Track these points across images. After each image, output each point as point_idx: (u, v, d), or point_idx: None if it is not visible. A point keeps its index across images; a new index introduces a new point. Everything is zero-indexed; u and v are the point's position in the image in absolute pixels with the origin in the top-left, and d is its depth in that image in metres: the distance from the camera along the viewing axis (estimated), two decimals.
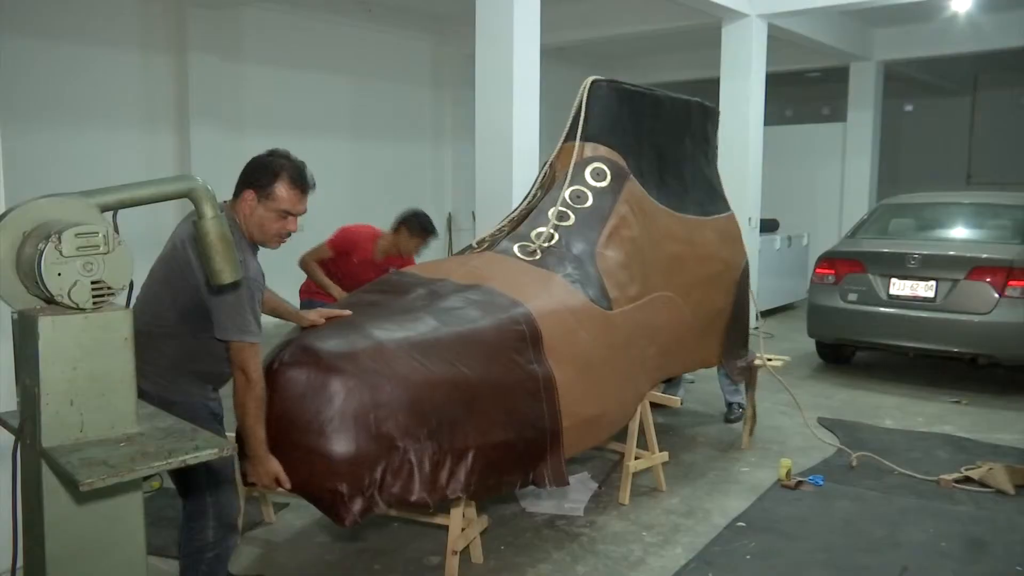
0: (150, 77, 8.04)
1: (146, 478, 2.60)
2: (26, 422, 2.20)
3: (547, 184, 3.98)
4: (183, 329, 2.50)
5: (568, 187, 3.83)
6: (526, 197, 4.10)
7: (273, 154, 2.59)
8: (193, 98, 8.15)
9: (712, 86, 9.03)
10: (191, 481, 2.63)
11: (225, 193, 2.79)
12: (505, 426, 2.99)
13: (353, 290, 4.36)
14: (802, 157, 11.73)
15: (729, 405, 5.34)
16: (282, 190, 2.52)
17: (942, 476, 4.31)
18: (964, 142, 13.95)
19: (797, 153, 11.70)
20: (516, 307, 3.21)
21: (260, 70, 8.88)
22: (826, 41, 9.54)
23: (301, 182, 2.55)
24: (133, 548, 2.31)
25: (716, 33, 8.48)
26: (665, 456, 4.15)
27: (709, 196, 4.65)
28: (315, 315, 2.98)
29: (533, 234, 3.71)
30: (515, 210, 4.08)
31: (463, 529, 3.14)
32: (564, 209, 3.78)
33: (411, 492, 2.77)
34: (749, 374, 4.78)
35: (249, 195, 2.55)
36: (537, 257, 3.60)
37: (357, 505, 2.67)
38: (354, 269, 4.42)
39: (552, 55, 7.44)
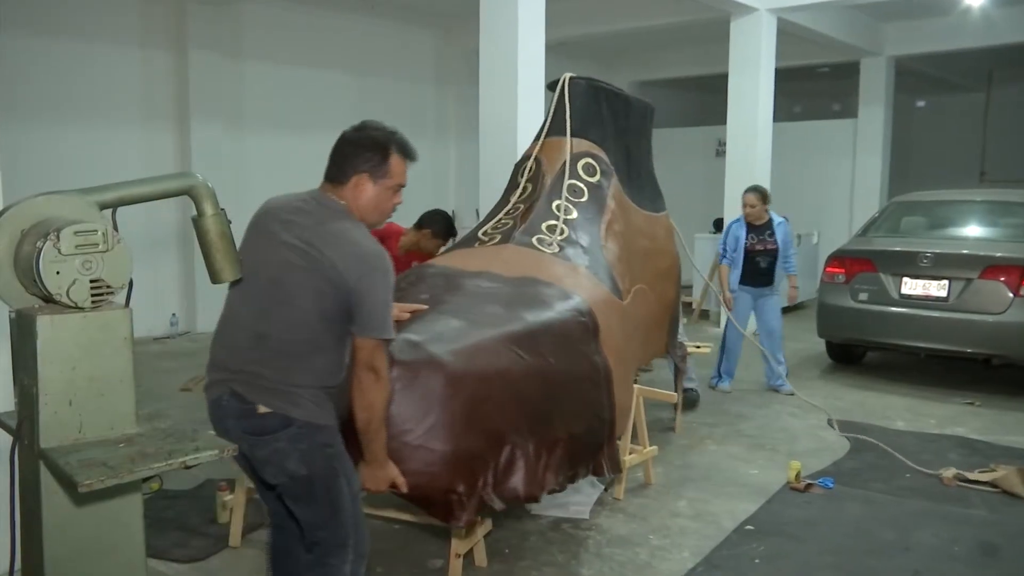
0: (150, 74, 8.06)
1: (146, 479, 2.61)
2: (24, 422, 2.21)
3: (536, 178, 4.01)
4: (329, 339, 2.25)
5: (566, 181, 3.89)
6: (513, 190, 4.11)
7: (368, 129, 2.38)
8: (193, 95, 8.17)
9: (720, 82, 9.02)
10: (318, 508, 2.32)
11: (226, 190, 2.78)
12: (582, 417, 3.13)
13: None
14: (812, 154, 11.70)
15: (686, 390, 5.57)
16: (395, 163, 2.37)
17: (944, 474, 4.31)
18: (977, 139, 13.89)
19: (807, 150, 11.67)
20: (572, 299, 3.34)
21: (261, 67, 8.89)
22: (836, 36, 9.51)
23: (409, 152, 2.43)
24: (132, 550, 2.32)
25: (724, 28, 8.47)
26: (655, 450, 4.25)
27: (657, 193, 4.83)
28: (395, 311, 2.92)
29: (544, 227, 3.76)
30: (509, 204, 4.07)
31: (466, 532, 3.14)
32: (566, 203, 3.84)
33: (520, 488, 2.83)
34: (684, 361, 5.12)
35: (362, 179, 2.32)
36: (556, 250, 3.68)
37: (473, 504, 2.70)
38: None
39: (556, 51, 7.43)
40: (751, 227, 6.05)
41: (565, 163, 3.95)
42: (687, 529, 3.69)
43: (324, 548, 2.35)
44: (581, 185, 3.94)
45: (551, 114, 4.14)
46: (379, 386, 2.26)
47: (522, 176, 4.10)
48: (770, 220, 6.03)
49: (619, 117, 4.32)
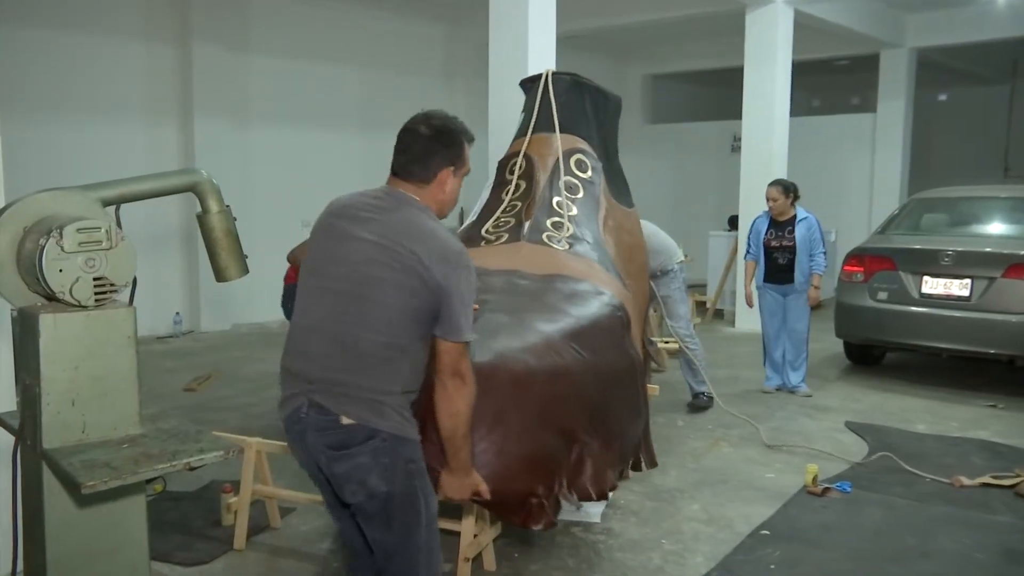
0: (153, 68, 8.10)
1: (149, 481, 2.63)
2: (27, 423, 2.22)
3: (529, 175, 4.02)
4: (414, 341, 2.15)
5: (562, 178, 3.92)
6: (503, 188, 4.11)
7: (442, 121, 2.27)
8: (197, 89, 8.21)
9: (735, 75, 8.98)
10: (391, 531, 2.23)
11: (230, 186, 2.77)
12: (628, 412, 3.20)
13: None
14: (830, 150, 11.64)
15: (696, 395, 5.63)
16: (467, 152, 2.31)
17: (956, 476, 4.30)
18: (1001, 133, 13.79)
19: (824, 145, 11.61)
20: (605, 294, 3.41)
21: (266, 60, 8.91)
22: (855, 27, 9.46)
23: (472, 136, 2.35)
24: (135, 553, 2.33)
25: (739, 20, 8.43)
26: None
27: (627, 187, 4.84)
28: None
29: (550, 224, 3.79)
30: (504, 202, 4.06)
31: (475, 535, 3.14)
32: (566, 200, 3.86)
33: (590, 486, 2.87)
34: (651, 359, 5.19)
35: (447, 174, 2.26)
36: (566, 247, 3.72)
37: (552, 506, 2.73)
38: None
39: (567, 44, 7.42)
40: (773, 222, 6.00)
41: (558, 160, 3.98)
42: (701, 534, 3.68)
43: (396, 570, 2.24)
44: (576, 182, 3.97)
45: (536, 110, 4.16)
46: (465, 391, 2.18)
47: (512, 173, 4.11)
48: (794, 216, 5.94)
49: (599, 111, 4.38)
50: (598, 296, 3.39)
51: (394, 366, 2.13)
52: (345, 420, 2.10)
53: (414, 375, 2.18)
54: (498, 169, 4.26)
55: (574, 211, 3.88)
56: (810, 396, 5.97)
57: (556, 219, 3.81)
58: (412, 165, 2.22)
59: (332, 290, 2.16)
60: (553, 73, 4.24)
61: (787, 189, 5.93)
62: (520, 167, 4.07)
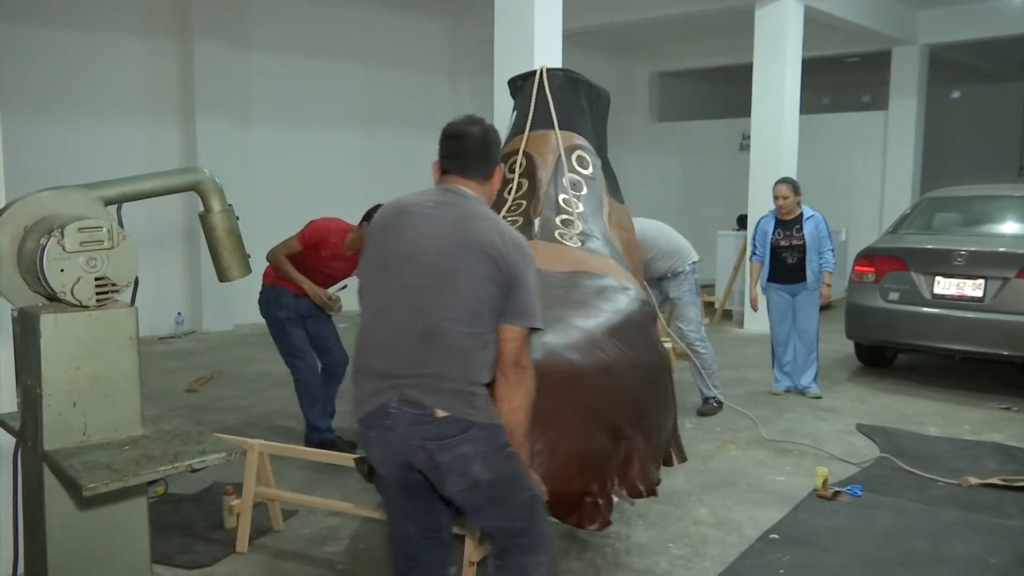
0: (154, 65, 8.13)
1: (151, 483, 2.64)
2: (27, 424, 2.23)
3: (530, 173, 4.02)
4: (492, 333, 2.23)
5: (565, 175, 3.92)
6: (504, 186, 4.11)
7: (484, 121, 2.41)
8: (199, 87, 8.23)
9: (744, 73, 8.97)
10: (511, 511, 2.28)
11: (233, 185, 2.78)
12: (665, 408, 3.23)
13: (322, 283, 4.56)
14: (840, 148, 11.62)
15: (706, 399, 5.61)
16: None
17: (964, 477, 4.30)
18: (1015, 131, 13.74)
19: (835, 144, 11.59)
20: (630, 289, 3.44)
21: (268, 57, 8.94)
22: (867, 24, 9.44)
23: None
24: (137, 556, 2.34)
25: (748, 16, 8.42)
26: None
27: (618, 185, 4.83)
28: None
29: (559, 221, 3.81)
30: (508, 201, 4.07)
31: (481, 540, 3.14)
32: (572, 198, 3.87)
33: (639, 482, 2.88)
34: None
35: (500, 169, 2.45)
36: (579, 244, 3.74)
37: (606, 505, 2.75)
38: (322, 262, 4.53)
39: (573, 40, 7.42)
40: (779, 222, 5.97)
41: (560, 157, 3.99)
42: (709, 537, 3.68)
43: (522, 551, 2.30)
44: (579, 179, 3.98)
45: (532, 107, 4.16)
46: (527, 382, 2.25)
47: (512, 171, 4.11)
48: (800, 215, 5.92)
49: (593, 107, 4.41)
50: (625, 291, 3.41)
51: (479, 356, 2.20)
52: (440, 413, 2.15)
53: (490, 367, 2.24)
54: None
55: (581, 208, 3.89)
56: (819, 398, 5.95)
57: (565, 216, 3.82)
58: (473, 163, 2.34)
59: (411, 285, 2.21)
60: (548, 69, 4.25)
61: (795, 187, 5.92)
62: (521, 165, 4.07)
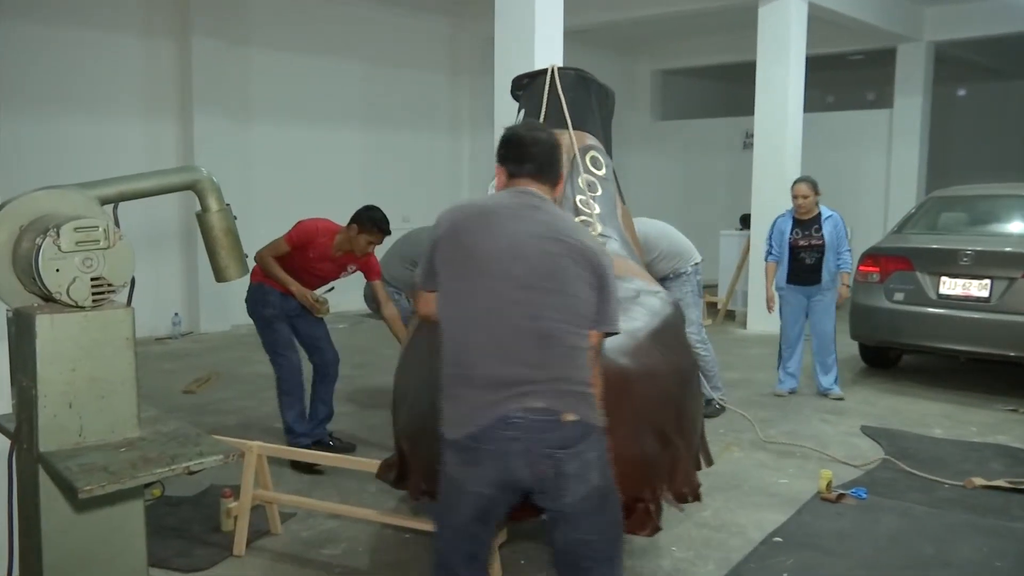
0: (152, 62, 8.13)
1: (147, 485, 2.64)
2: (22, 425, 2.23)
3: None
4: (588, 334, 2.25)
5: (581, 175, 3.93)
6: None
7: (542, 125, 2.60)
8: (197, 84, 8.24)
9: (747, 71, 8.97)
10: (607, 522, 2.28)
11: (231, 184, 2.78)
12: (698, 412, 3.26)
13: (310, 284, 4.51)
14: (845, 146, 11.62)
15: (707, 402, 5.58)
16: None
17: (969, 478, 4.31)
18: (1022, 129, 13.74)
19: (839, 142, 11.59)
20: (660, 292, 3.46)
21: (267, 55, 8.94)
22: (871, 21, 9.44)
23: None
24: (133, 559, 2.34)
25: (752, 14, 8.42)
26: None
27: (619, 185, 4.83)
28: None
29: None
30: None
31: None
32: (588, 199, 3.86)
33: (685, 488, 2.89)
34: None
35: (564, 176, 2.52)
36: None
37: (656, 511, 2.75)
38: (309, 263, 4.51)
39: (574, 38, 7.41)
40: (797, 221, 5.95)
41: (575, 157, 3.98)
42: (712, 540, 3.68)
43: (602, 567, 2.25)
44: (594, 179, 3.98)
45: (544, 106, 4.16)
46: (600, 388, 2.27)
47: None
48: (819, 214, 5.89)
49: (602, 107, 4.42)
50: (655, 294, 3.41)
51: (586, 357, 2.21)
52: (568, 417, 2.13)
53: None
54: None
55: (598, 210, 3.88)
56: (842, 399, 5.96)
57: (584, 218, 3.82)
58: (546, 169, 2.37)
59: (520, 287, 2.17)
60: (559, 68, 4.24)
61: (815, 186, 5.87)
62: None
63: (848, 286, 5.97)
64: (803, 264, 5.91)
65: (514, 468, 2.14)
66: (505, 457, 2.13)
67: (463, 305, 2.21)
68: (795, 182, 5.99)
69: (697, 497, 2.99)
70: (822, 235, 5.85)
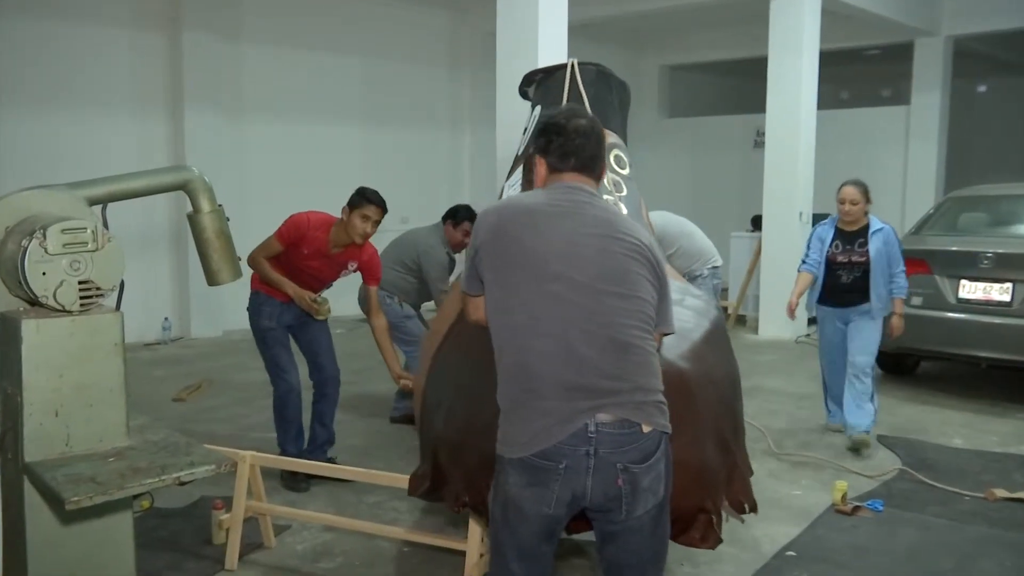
0: (141, 57, 8.15)
1: (136, 496, 2.64)
2: (7, 434, 2.23)
3: None
4: None
5: (606, 175, 3.93)
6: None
7: (586, 116, 2.42)
8: (188, 81, 8.25)
9: (759, 66, 8.97)
10: (660, 538, 2.25)
11: (223, 184, 2.79)
12: (743, 419, 3.23)
13: (308, 285, 4.32)
14: (860, 145, 11.60)
15: None
16: None
17: (990, 489, 4.30)
18: None
19: (854, 141, 11.57)
20: (701, 295, 3.47)
21: (261, 50, 8.96)
22: (887, 14, 9.43)
23: None
24: (122, 572, 2.34)
25: (763, 7, 8.42)
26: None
27: None
28: None
29: None
30: None
31: (481, 555, 3.14)
32: (615, 199, 3.86)
33: (743, 498, 2.90)
34: None
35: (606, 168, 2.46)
36: None
37: (718, 522, 2.73)
38: (304, 260, 4.31)
39: (579, 32, 7.42)
40: (840, 232, 5.16)
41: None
42: (723, 554, 3.67)
43: None
44: (619, 179, 3.97)
45: (565, 103, 4.12)
46: None
47: None
48: (866, 226, 5.11)
49: (622, 104, 4.41)
50: (698, 297, 3.41)
51: (657, 363, 2.18)
52: (646, 428, 2.10)
53: None
54: (527, 166, 4.23)
55: (624, 210, 3.85)
56: (867, 445, 5.03)
57: None
58: (592, 162, 2.30)
59: (585, 290, 2.10)
60: (580, 63, 4.18)
61: (866, 192, 5.10)
62: None
63: (901, 316, 5.14)
64: (839, 282, 5.12)
65: (586, 485, 2.07)
66: (578, 474, 2.06)
67: (519, 312, 2.12)
68: (843, 184, 5.17)
69: (754, 507, 2.97)
70: (866, 251, 5.03)
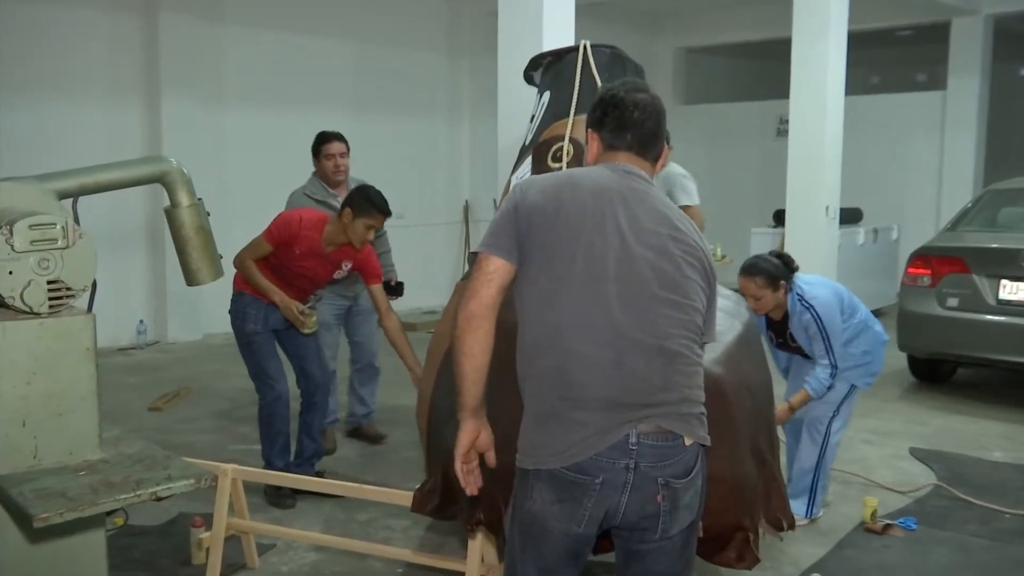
0: (115, 40, 8.16)
1: (110, 513, 2.64)
2: None
3: (580, 161, 4.02)
4: None
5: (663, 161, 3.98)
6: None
7: (647, 86, 2.35)
8: (165, 65, 8.25)
9: (782, 49, 8.96)
10: (688, 560, 2.25)
11: (203, 176, 2.78)
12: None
13: (300, 288, 4.32)
14: (892, 133, 11.60)
15: None
16: None
17: None
18: None
19: (886, 129, 11.57)
20: (732, 297, 3.45)
21: (243, 32, 8.96)
22: None
23: None
24: None
25: None
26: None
27: None
28: None
29: None
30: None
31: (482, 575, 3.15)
32: None
33: (781, 515, 2.90)
34: None
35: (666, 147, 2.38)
36: None
37: (755, 540, 2.72)
38: (296, 261, 4.29)
39: (587, 13, 7.42)
40: (769, 321, 4.31)
41: None
42: None
43: None
44: None
45: (577, 88, 4.12)
46: None
47: (558, 160, 4.10)
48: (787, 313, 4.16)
49: None
50: (727, 297, 3.39)
51: (700, 377, 2.18)
52: (688, 440, 2.09)
53: None
54: (536, 156, 4.21)
55: None
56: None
57: None
58: (651, 140, 2.23)
59: (638, 295, 2.07)
60: (593, 46, 4.16)
61: (770, 276, 4.04)
62: (568, 153, 4.03)
63: (793, 409, 4.18)
64: (804, 366, 4.35)
65: (620, 502, 2.05)
66: (615, 490, 2.03)
67: (567, 311, 2.05)
68: (739, 274, 4.18)
69: (792, 524, 2.98)
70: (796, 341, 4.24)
